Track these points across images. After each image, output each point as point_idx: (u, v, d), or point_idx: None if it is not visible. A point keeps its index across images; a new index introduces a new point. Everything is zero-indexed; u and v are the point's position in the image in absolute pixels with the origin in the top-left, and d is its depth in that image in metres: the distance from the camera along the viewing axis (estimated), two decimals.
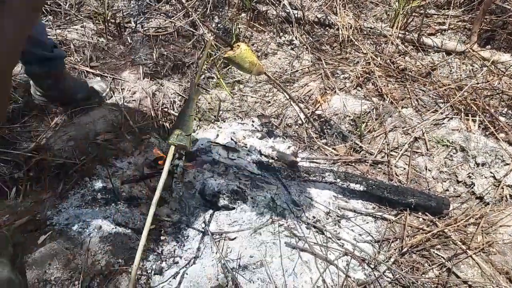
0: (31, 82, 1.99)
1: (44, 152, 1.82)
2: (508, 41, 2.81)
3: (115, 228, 1.61)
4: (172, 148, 1.43)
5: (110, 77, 2.22)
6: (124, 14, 2.74)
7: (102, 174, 1.80)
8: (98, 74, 2.22)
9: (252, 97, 2.42)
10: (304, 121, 2.27)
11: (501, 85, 2.44)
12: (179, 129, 1.43)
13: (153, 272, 1.56)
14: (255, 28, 2.90)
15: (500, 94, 2.38)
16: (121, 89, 2.16)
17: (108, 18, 2.61)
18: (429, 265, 1.63)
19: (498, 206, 1.85)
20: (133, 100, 2.13)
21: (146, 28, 2.67)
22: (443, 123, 2.21)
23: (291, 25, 2.92)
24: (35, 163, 1.79)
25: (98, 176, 1.80)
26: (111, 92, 2.12)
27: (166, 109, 2.17)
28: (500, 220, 1.78)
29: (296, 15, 2.92)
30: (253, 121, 2.25)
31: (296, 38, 2.86)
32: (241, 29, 2.81)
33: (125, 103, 2.08)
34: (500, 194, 1.88)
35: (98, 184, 1.77)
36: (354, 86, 2.50)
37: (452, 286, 1.56)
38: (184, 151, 1.90)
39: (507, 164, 1.95)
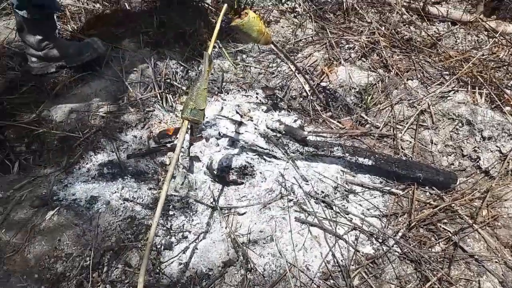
0: (25, 50, 1.91)
1: (45, 124, 1.77)
2: None
3: (123, 203, 1.59)
4: (186, 123, 1.39)
5: (109, 46, 2.13)
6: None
7: (107, 148, 1.76)
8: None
9: (255, 67, 2.36)
10: (309, 93, 2.23)
11: (507, 57, 2.41)
12: (192, 102, 1.38)
13: (162, 247, 1.56)
14: None
15: (506, 66, 2.35)
16: (121, 58, 2.08)
17: None
18: (436, 239, 1.66)
19: (504, 180, 1.86)
20: (135, 70, 2.06)
21: None
22: (449, 96, 2.18)
23: None
24: (36, 136, 1.74)
25: (103, 149, 1.76)
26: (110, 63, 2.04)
27: (168, 80, 2.11)
28: (505, 194, 1.80)
29: None
30: (257, 93, 2.20)
31: (299, 6, 2.77)
32: None
33: (126, 74, 2.01)
34: (506, 168, 1.89)
35: (104, 158, 1.73)
36: (359, 57, 2.45)
37: (458, 259, 1.59)
38: (190, 124, 1.86)
39: None
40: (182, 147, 1.76)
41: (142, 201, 1.63)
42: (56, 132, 1.74)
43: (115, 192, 1.61)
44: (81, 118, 1.82)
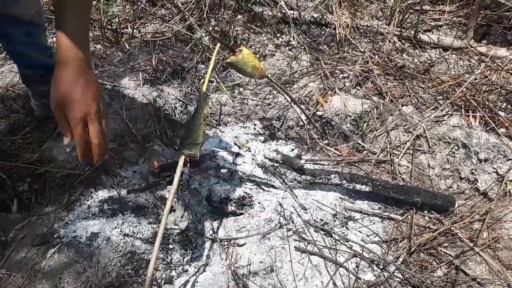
0: (30, 93, 1.98)
1: (47, 163, 1.81)
2: (503, 35, 2.83)
3: (123, 238, 1.61)
4: (182, 158, 1.42)
5: (110, 85, 2.20)
6: (120, 19, 2.72)
7: (107, 184, 1.80)
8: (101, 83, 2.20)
9: (252, 100, 2.42)
10: (305, 123, 2.27)
11: (499, 80, 2.46)
12: (189, 138, 1.43)
13: (163, 281, 1.56)
14: (252, 30, 2.90)
15: (499, 89, 2.40)
16: (122, 97, 2.14)
17: (104, 25, 2.60)
18: (437, 264, 1.65)
19: (502, 202, 1.86)
20: (134, 107, 2.12)
21: (143, 34, 2.66)
22: (444, 120, 2.22)
23: (287, 26, 2.92)
24: (39, 175, 1.78)
25: (104, 186, 1.79)
26: (111, 101, 2.10)
27: (168, 115, 2.16)
28: (505, 216, 1.80)
29: (292, 15, 2.92)
30: (255, 124, 2.24)
31: (293, 39, 2.86)
32: (238, 31, 2.81)
33: (126, 111, 2.07)
34: (504, 189, 1.90)
35: (104, 195, 1.76)
36: (354, 86, 2.50)
37: (461, 283, 1.58)
38: (188, 159, 1.90)
39: (510, 159, 1.96)
40: (181, 180, 1.79)
41: (142, 235, 1.65)
42: (57, 170, 1.78)
43: (115, 228, 1.63)
44: None
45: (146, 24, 2.75)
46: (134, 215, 1.70)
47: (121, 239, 1.60)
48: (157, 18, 2.81)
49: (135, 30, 2.65)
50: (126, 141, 1.94)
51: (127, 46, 2.53)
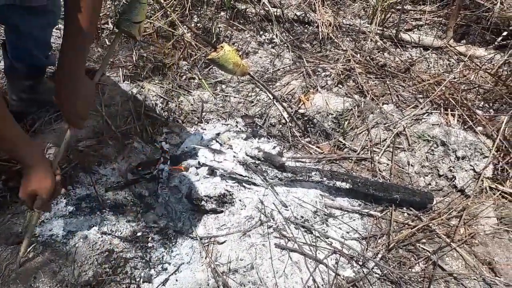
0: (8, 86, 1.93)
1: None
2: (482, 35, 2.88)
3: (101, 237, 1.58)
4: (118, 34, 1.40)
5: None
6: (100, 15, 2.67)
7: (85, 182, 1.76)
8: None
9: (235, 97, 2.41)
10: (287, 120, 2.28)
11: (477, 79, 2.50)
12: (127, 14, 1.37)
13: (141, 280, 1.54)
14: (235, 27, 2.88)
15: (477, 88, 2.44)
16: (101, 93, 2.11)
17: None
18: (416, 259, 1.67)
19: (479, 198, 1.90)
20: (114, 104, 2.09)
21: None
22: (424, 118, 2.24)
23: (270, 23, 2.91)
24: (14, 172, 1.73)
25: (81, 184, 1.76)
26: None
27: (148, 112, 2.14)
28: (481, 212, 1.84)
29: (275, 13, 2.91)
30: (237, 122, 2.24)
31: (276, 37, 2.86)
32: (221, 28, 2.79)
33: (105, 108, 2.04)
34: (480, 186, 1.94)
35: (82, 192, 1.73)
36: (336, 84, 2.52)
37: (438, 279, 1.60)
38: (168, 155, 1.88)
39: (486, 156, 2.00)
40: (161, 177, 1.77)
41: (120, 234, 1.62)
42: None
43: (93, 226, 1.60)
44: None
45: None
46: (113, 213, 1.68)
47: (99, 237, 1.57)
48: None
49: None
50: (105, 138, 1.91)
51: (107, 42, 2.49)
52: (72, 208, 1.66)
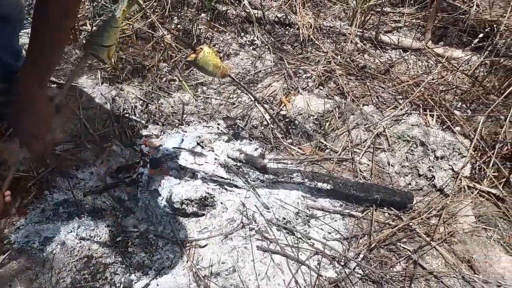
0: None
1: None
2: (459, 37, 2.94)
3: (80, 242, 1.55)
4: (86, 56, 1.36)
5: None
6: (78, 16, 2.63)
7: (63, 187, 1.73)
8: (53, 81, 2.11)
9: (216, 99, 2.40)
10: (269, 122, 2.27)
11: (454, 80, 2.55)
12: (97, 37, 1.31)
13: (122, 285, 1.52)
14: (215, 29, 2.87)
15: (454, 89, 2.48)
16: (79, 96, 2.07)
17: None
18: (397, 259, 1.68)
19: (458, 197, 1.93)
20: (92, 107, 2.05)
21: None
22: (403, 119, 2.27)
23: (251, 25, 2.91)
24: None
25: (59, 188, 1.72)
26: (67, 102, 2.02)
27: (127, 115, 2.11)
28: (460, 211, 1.87)
29: (256, 15, 2.91)
30: (218, 124, 2.22)
31: (257, 38, 2.85)
32: (201, 30, 2.77)
33: (83, 111, 2.00)
34: (459, 185, 1.97)
35: (59, 197, 1.69)
36: (317, 85, 2.53)
37: (418, 277, 1.62)
38: (148, 159, 1.86)
39: (464, 156, 2.04)
40: (141, 181, 1.75)
41: (99, 239, 1.59)
42: (9, 172, 1.69)
43: (71, 232, 1.57)
44: (36, 157, 1.78)
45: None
46: (91, 218, 1.65)
47: (77, 243, 1.54)
48: None
49: (94, 28, 2.57)
50: (83, 142, 1.87)
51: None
52: (49, 214, 1.62)
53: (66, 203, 1.67)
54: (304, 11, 3.01)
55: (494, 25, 2.80)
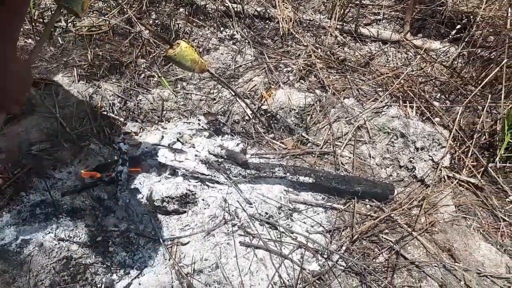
0: None
1: None
2: (437, 29, 2.97)
3: (58, 243, 1.51)
4: (58, 9, 1.31)
5: (41, 82, 2.07)
6: (53, 12, 2.56)
7: (39, 187, 1.69)
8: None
9: (196, 94, 2.37)
10: (251, 117, 2.26)
11: (433, 72, 2.57)
12: None
13: (103, 285, 1.49)
14: (194, 24, 2.84)
15: (433, 80, 2.51)
16: (55, 94, 2.02)
17: (35, 18, 2.43)
18: (379, 250, 1.70)
19: (438, 187, 1.95)
20: (69, 105, 2.01)
21: (78, 27, 2.52)
22: (383, 111, 2.29)
23: (231, 19, 2.88)
24: None
25: (36, 189, 1.68)
26: (43, 100, 1.97)
27: (105, 112, 2.07)
28: (440, 201, 1.89)
29: (235, 9, 2.89)
30: (199, 120, 2.20)
31: (237, 33, 2.83)
32: (180, 25, 2.74)
33: (60, 109, 1.96)
34: (439, 175, 1.99)
35: (36, 198, 1.65)
36: (297, 79, 2.52)
37: (400, 267, 1.63)
38: (127, 157, 1.82)
39: (443, 146, 2.06)
40: (120, 180, 1.72)
41: (79, 239, 1.56)
42: None
43: (49, 233, 1.53)
44: (11, 158, 1.73)
45: (82, 18, 2.61)
46: (70, 218, 1.61)
47: (56, 244, 1.51)
48: (94, 12, 2.67)
49: (69, 24, 2.51)
50: (60, 141, 1.83)
51: (60, 40, 2.38)
52: (26, 215, 1.58)
53: (44, 204, 1.63)
54: (283, 4, 2.99)
55: (471, 17, 2.84)
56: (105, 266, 1.53)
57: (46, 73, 2.16)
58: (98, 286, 1.48)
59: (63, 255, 1.49)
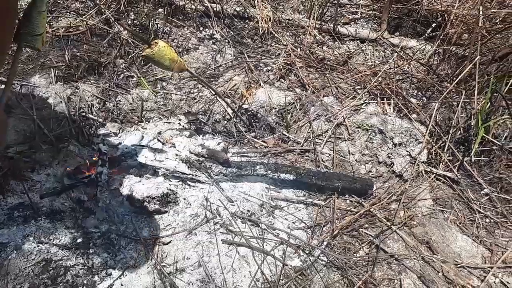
0: None
1: None
2: (413, 27, 3.03)
3: (37, 246, 1.49)
4: (19, 49, 1.28)
5: (17, 84, 2.03)
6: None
7: (17, 190, 1.66)
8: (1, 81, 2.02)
9: (176, 94, 2.37)
10: (232, 116, 2.27)
11: (410, 69, 2.63)
12: (27, 27, 1.23)
13: (84, 287, 1.47)
14: (173, 24, 2.83)
15: (410, 78, 2.56)
16: (31, 96, 1.99)
17: None
18: (360, 244, 1.73)
19: (416, 182, 2.00)
20: (46, 107, 1.98)
21: (55, 28, 2.48)
22: (362, 108, 2.32)
23: (210, 19, 2.89)
24: None
25: (13, 192, 1.65)
26: (19, 102, 1.94)
27: (84, 114, 2.04)
28: (418, 195, 1.93)
29: (214, 9, 2.89)
30: (179, 119, 2.20)
31: (216, 32, 2.84)
32: (159, 25, 2.73)
33: (37, 111, 1.93)
34: (416, 170, 2.04)
35: (14, 201, 1.62)
36: (278, 78, 2.54)
37: (381, 261, 1.67)
38: (107, 157, 1.81)
39: (420, 142, 2.11)
40: (100, 181, 1.70)
41: (59, 241, 1.54)
42: None
43: (28, 236, 1.51)
44: None
45: (58, 18, 2.58)
46: (49, 221, 1.59)
47: (35, 247, 1.48)
48: (71, 12, 2.64)
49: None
50: (38, 143, 1.80)
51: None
52: (3, 219, 1.55)
53: (22, 207, 1.60)
54: (262, 4, 3.01)
55: (445, 15, 2.91)
56: (86, 267, 1.52)
57: (22, 74, 2.12)
58: None
59: (43, 257, 1.47)
